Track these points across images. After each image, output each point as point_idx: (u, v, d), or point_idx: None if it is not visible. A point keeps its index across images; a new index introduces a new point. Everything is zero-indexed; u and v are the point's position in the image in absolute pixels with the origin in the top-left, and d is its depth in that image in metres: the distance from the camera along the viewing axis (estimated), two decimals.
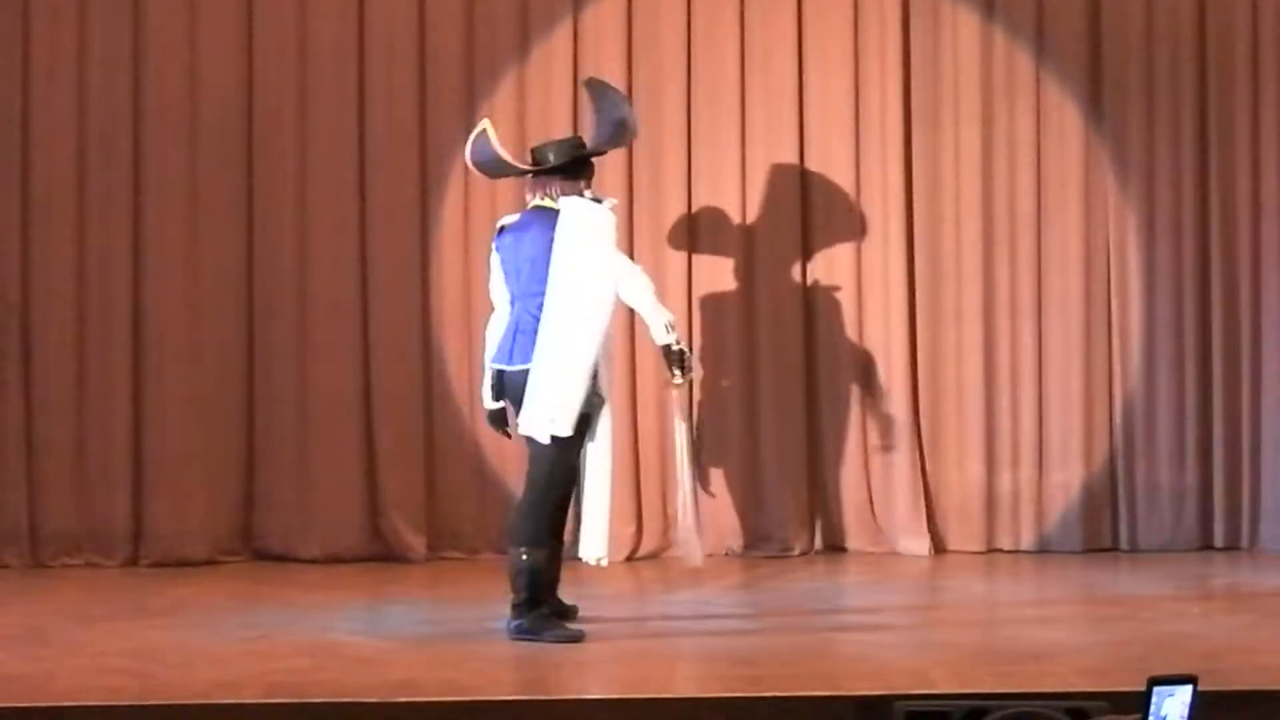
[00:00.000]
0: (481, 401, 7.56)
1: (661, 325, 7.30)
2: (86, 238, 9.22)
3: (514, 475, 8.89)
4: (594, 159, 7.43)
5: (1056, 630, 7.39)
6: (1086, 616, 7.83)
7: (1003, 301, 9.49)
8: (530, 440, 7.10)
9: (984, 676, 6.30)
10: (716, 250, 9.48)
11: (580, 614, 7.37)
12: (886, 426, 9.45)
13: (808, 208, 9.50)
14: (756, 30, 9.45)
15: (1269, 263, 9.43)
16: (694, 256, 9.47)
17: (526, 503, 7.15)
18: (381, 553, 9.27)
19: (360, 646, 6.97)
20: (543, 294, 7.05)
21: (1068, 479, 9.46)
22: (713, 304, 9.46)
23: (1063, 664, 6.50)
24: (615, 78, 9.02)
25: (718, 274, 9.47)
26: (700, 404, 9.46)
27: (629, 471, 9.23)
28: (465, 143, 7.55)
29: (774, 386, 9.43)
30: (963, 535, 9.46)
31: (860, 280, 9.49)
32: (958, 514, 9.47)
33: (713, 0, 9.44)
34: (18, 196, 9.19)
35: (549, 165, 7.25)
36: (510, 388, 7.18)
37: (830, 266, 9.50)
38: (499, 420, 7.42)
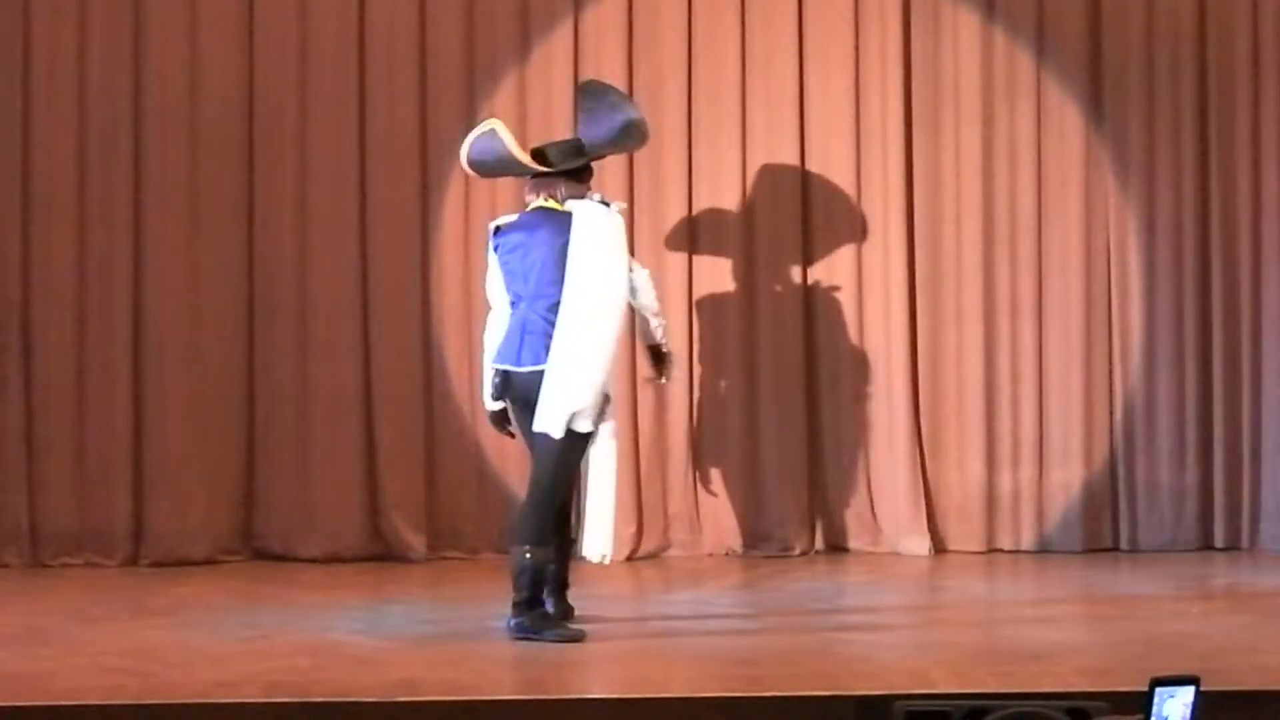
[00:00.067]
0: (482, 402, 7.55)
1: (663, 329, 7.74)
2: (87, 236, 9.23)
3: (514, 475, 8.91)
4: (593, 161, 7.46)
5: (1056, 630, 7.39)
6: (1086, 616, 7.83)
7: (1003, 301, 9.49)
8: (538, 439, 7.09)
9: (984, 676, 6.29)
10: (717, 250, 9.48)
11: (579, 614, 7.37)
12: (887, 426, 9.45)
13: (808, 208, 9.50)
14: (757, 31, 9.46)
15: (1269, 262, 9.44)
16: (694, 257, 9.47)
17: (531, 501, 7.15)
18: (382, 552, 9.27)
19: (360, 646, 6.97)
20: (555, 296, 7.06)
21: (1068, 479, 9.46)
22: (713, 304, 9.46)
23: (1063, 664, 6.49)
24: (615, 78, 9.03)
25: (718, 274, 9.47)
26: (701, 404, 9.46)
27: (629, 471, 9.22)
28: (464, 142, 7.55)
29: (774, 386, 9.43)
30: (963, 535, 9.46)
31: (860, 280, 9.49)
32: (958, 514, 9.47)
33: (713, 1, 9.44)
34: (18, 195, 9.19)
35: (562, 167, 7.27)
36: (517, 389, 7.18)
37: (831, 267, 9.51)
38: (501, 420, 7.42)
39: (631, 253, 7.65)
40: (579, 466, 7.19)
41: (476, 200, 9.24)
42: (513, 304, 7.24)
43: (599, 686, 6.52)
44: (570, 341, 7.02)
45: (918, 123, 9.47)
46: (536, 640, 6.96)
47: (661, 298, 9.11)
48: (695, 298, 9.45)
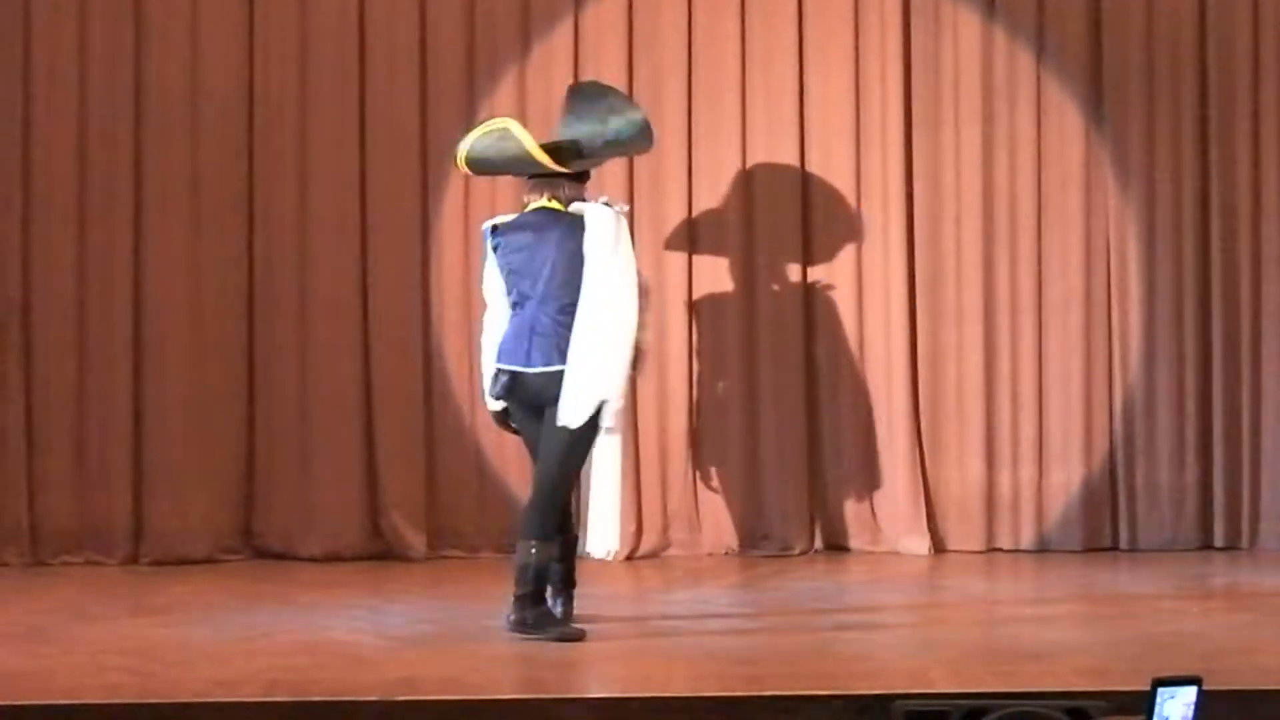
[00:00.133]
0: (484, 402, 7.55)
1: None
2: (87, 235, 9.23)
3: (514, 474, 8.92)
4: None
5: (1056, 630, 7.39)
6: (1086, 616, 7.83)
7: (1003, 301, 9.50)
8: (546, 435, 7.09)
9: (983, 676, 6.29)
10: (717, 250, 9.48)
11: (579, 613, 7.36)
12: (886, 426, 9.46)
13: (808, 208, 9.50)
14: (757, 30, 9.46)
15: (1269, 262, 9.44)
16: (694, 256, 9.47)
17: (541, 497, 7.14)
18: (381, 551, 9.27)
19: (360, 645, 6.97)
20: (566, 298, 7.08)
21: (1068, 478, 9.47)
22: (713, 303, 9.46)
23: (1062, 663, 6.49)
24: (615, 77, 9.05)
25: (718, 274, 9.47)
26: (700, 403, 9.46)
27: (629, 471, 9.20)
28: (461, 141, 7.54)
29: (774, 386, 9.43)
30: (963, 534, 9.47)
31: (860, 280, 9.49)
32: (958, 513, 9.48)
33: (713, 0, 9.44)
34: (19, 194, 9.19)
35: (577, 168, 7.30)
36: (525, 390, 7.17)
37: (830, 266, 9.51)
38: (504, 419, 7.42)
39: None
40: (584, 463, 7.19)
41: (476, 200, 9.25)
42: (516, 304, 7.23)
43: (599, 686, 6.52)
44: (596, 337, 7.02)
45: (918, 122, 9.48)
46: (536, 637, 6.96)
47: (661, 297, 9.18)
48: (695, 297, 9.45)
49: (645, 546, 9.36)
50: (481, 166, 7.49)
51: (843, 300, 9.48)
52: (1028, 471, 9.48)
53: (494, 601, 7.42)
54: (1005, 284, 9.49)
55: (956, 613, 7.98)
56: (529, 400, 7.17)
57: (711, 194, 9.46)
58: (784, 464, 9.42)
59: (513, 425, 7.41)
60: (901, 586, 8.61)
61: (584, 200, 7.27)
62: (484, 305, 7.50)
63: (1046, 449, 9.49)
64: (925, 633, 7.41)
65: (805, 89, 9.47)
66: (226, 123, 9.28)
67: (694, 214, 9.46)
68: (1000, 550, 9.45)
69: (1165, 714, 4.32)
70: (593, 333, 7.03)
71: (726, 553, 9.38)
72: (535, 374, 7.11)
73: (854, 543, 9.45)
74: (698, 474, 9.45)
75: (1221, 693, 5.55)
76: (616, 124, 7.47)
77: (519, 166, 7.32)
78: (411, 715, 5.85)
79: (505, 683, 6.49)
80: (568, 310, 7.07)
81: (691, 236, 9.46)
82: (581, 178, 7.36)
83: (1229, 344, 9.46)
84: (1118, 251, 9.49)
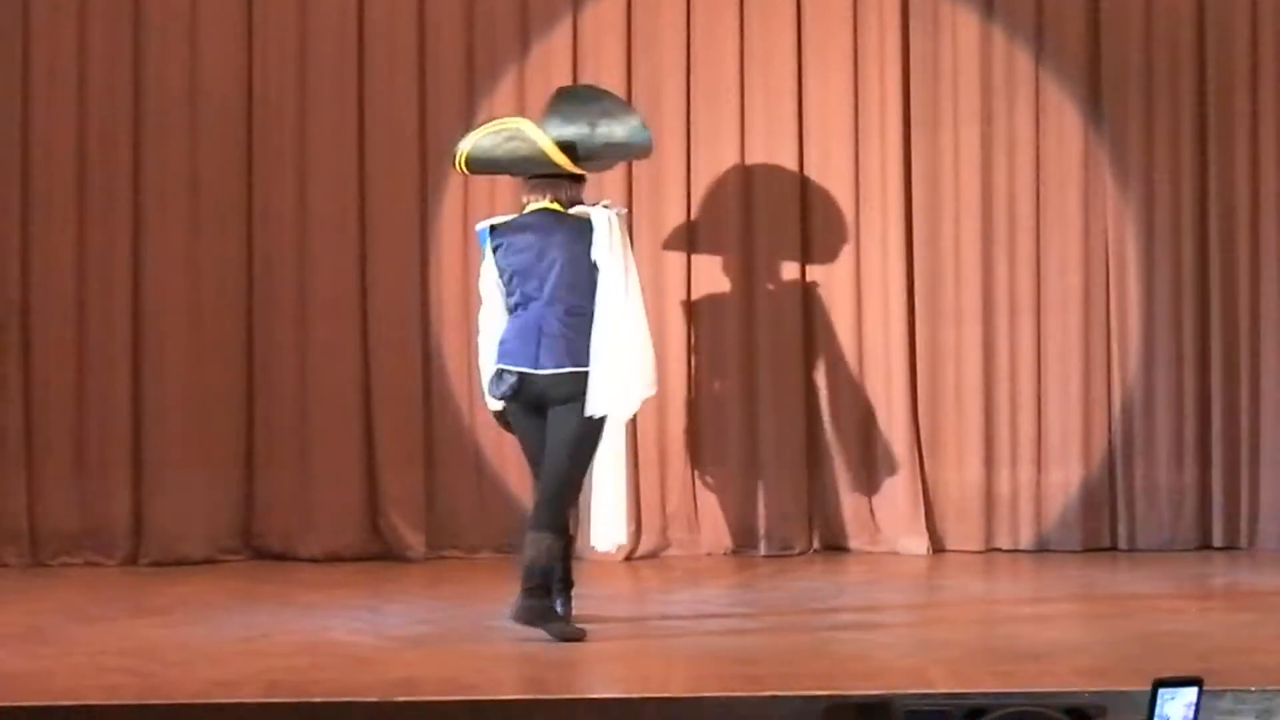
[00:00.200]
0: (483, 402, 7.54)
1: None
2: (87, 235, 9.23)
3: (513, 474, 8.92)
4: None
5: (1055, 629, 7.39)
6: (1085, 616, 7.83)
7: (1002, 301, 9.50)
8: (562, 431, 7.10)
9: (983, 676, 6.30)
10: (716, 250, 9.48)
11: (579, 613, 7.36)
12: (885, 426, 9.46)
13: (807, 208, 9.50)
14: (756, 30, 9.45)
15: (1268, 262, 9.44)
16: (693, 256, 9.47)
17: (554, 490, 7.16)
18: (381, 552, 9.27)
19: (359, 645, 6.97)
20: (574, 301, 7.12)
21: (1066, 478, 9.47)
22: (712, 303, 9.46)
23: (1061, 663, 6.49)
24: (615, 77, 9.08)
25: (717, 273, 9.47)
26: (699, 403, 9.46)
27: (628, 471, 9.20)
28: (462, 141, 7.54)
29: (773, 386, 9.43)
30: (961, 534, 9.47)
31: (859, 280, 9.49)
32: (956, 513, 9.48)
33: (712, 1, 9.44)
34: (18, 194, 9.19)
35: (590, 170, 7.39)
36: (533, 391, 7.16)
37: (829, 266, 9.51)
38: (504, 418, 7.42)
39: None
40: (593, 457, 7.22)
41: (475, 200, 9.24)
42: (520, 304, 7.22)
43: (599, 686, 6.52)
44: (624, 334, 7.11)
45: (916, 123, 9.47)
46: (538, 628, 6.96)
47: (660, 298, 9.19)
48: (694, 297, 9.45)
49: (644, 547, 9.36)
50: (483, 166, 7.49)
51: (841, 300, 9.48)
52: (1026, 471, 9.48)
53: (493, 601, 7.43)
54: (1004, 284, 9.49)
55: (956, 613, 7.98)
56: (535, 401, 7.18)
57: (710, 194, 9.46)
58: (783, 464, 9.41)
59: (509, 424, 7.42)
60: (900, 586, 8.61)
61: (582, 202, 7.28)
62: (479, 303, 7.50)
63: (1045, 449, 9.49)
64: (924, 633, 7.42)
65: (804, 89, 9.46)
66: (226, 123, 9.28)
67: (693, 214, 9.45)
68: (999, 550, 9.45)
69: (1166, 714, 4.32)
70: (620, 331, 7.09)
71: (725, 553, 9.38)
72: (545, 376, 7.12)
73: (853, 543, 9.45)
74: (696, 474, 9.45)
75: (1220, 692, 5.55)
76: (608, 128, 7.47)
77: (526, 167, 7.31)
78: (411, 716, 5.85)
79: (505, 683, 6.49)
80: (575, 312, 7.10)
81: (690, 237, 9.46)
82: (581, 179, 7.38)
83: (1228, 344, 9.46)
84: (1116, 252, 9.49)
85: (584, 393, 7.09)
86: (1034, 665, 6.50)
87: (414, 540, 9.26)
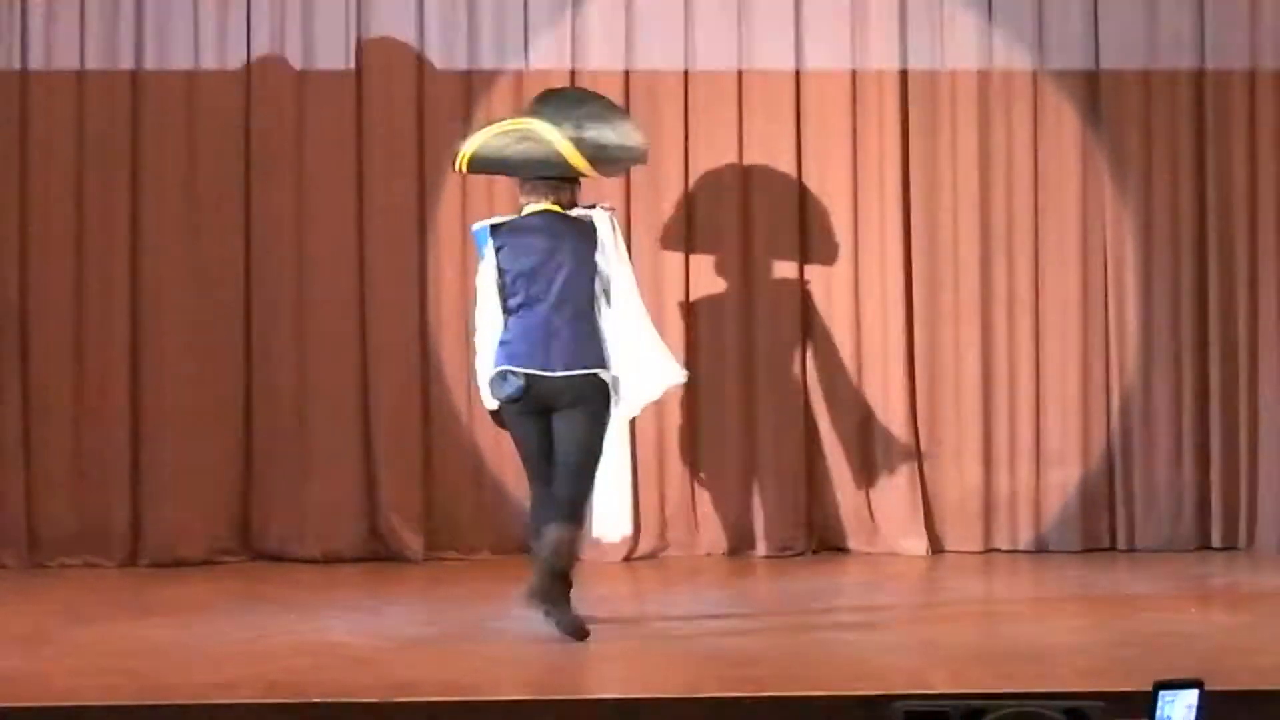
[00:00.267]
0: (483, 401, 7.54)
1: None
2: (85, 238, 9.22)
3: (511, 475, 8.90)
4: None
5: (1054, 630, 7.39)
6: (1084, 616, 7.83)
7: (1000, 301, 9.49)
8: (576, 429, 7.16)
9: (982, 676, 6.30)
10: (714, 250, 9.48)
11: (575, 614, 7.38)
12: (884, 426, 9.45)
13: (805, 209, 9.49)
14: (754, 32, 9.44)
15: (1266, 263, 9.43)
16: (691, 256, 9.47)
17: (576, 485, 7.20)
18: (379, 553, 9.26)
19: (358, 646, 6.98)
20: (583, 301, 7.19)
21: (1065, 479, 9.46)
22: (710, 303, 9.46)
23: (1061, 664, 6.50)
24: (614, 77, 9.05)
25: (715, 274, 9.47)
26: (698, 404, 9.45)
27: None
28: (467, 140, 7.53)
29: (771, 386, 9.43)
30: (960, 535, 9.46)
31: (858, 280, 9.49)
32: (955, 514, 9.47)
33: (711, 2, 9.44)
34: (16, 196, 9.18)
35: (602, 174, 7.45)
36: (543, 392, 7.18)
37: (828, 267, 9.50)
38: (501, 418, 7.43)
39: (629, 254, 7.69)
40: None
41: (474, 202, 9.24)
42: (524, 305, 7.22)
43: (599, 686, 6.53)
44: (645, 331, 7.32)
45: (915, 123, 9.47)
46: (549, 617, 6.96)
47: (658, 298, 9.19)
48: (692, 297, 9.45)
49: (643, 548, 9.35)
50: (488, 166, 7.50)
51: (840, 301, 9.47)
52: (1025, 472, 9.48)
53: (492, 602, 7.43)
54: (1003, 285, 9.49)
55: (955, 613, 7.98)
56: (543, 403, 7.19)
57: (708, 195, 9.45)
58: (781, 464, 9.41)
59: (505, 425, 7.42)
60: (899, 587, 8.61)
61: (578, 204, 7.32)
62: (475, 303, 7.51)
63: (1044, 449, 9.48)
64: (924, 633, 7.42)
65: (803, 89, 9.46)
66: (225, 123, 9.27)
67: (691, 215, 9.45)
68: (998, 551, 9.44)
69: (1167, 716, 4.32)
70: (641, 329, 7.28)
71: (724, 553, 9.37)
72: (557, 378, 7.15)
73: (852, 543, 9.45)
74: (695, 475, 9.45)
75: (1220, 693, 5.55)
76: (596, 131, 7.47)
77: (537, 169, 7.30)
78: (411, 716, 5.85)
79: (504, 683, 6.49)
80: (581, 315, 7.17)
81: (688, 237, 9.46)
82: (578, 182, 7.39)
83: (1226, 344, 9.45)
84: (1115, 253, 9.49)
85: (594, 394, 7.16)
86: (1033, 666, 6.51)
87: (413, 541, 9.26)
